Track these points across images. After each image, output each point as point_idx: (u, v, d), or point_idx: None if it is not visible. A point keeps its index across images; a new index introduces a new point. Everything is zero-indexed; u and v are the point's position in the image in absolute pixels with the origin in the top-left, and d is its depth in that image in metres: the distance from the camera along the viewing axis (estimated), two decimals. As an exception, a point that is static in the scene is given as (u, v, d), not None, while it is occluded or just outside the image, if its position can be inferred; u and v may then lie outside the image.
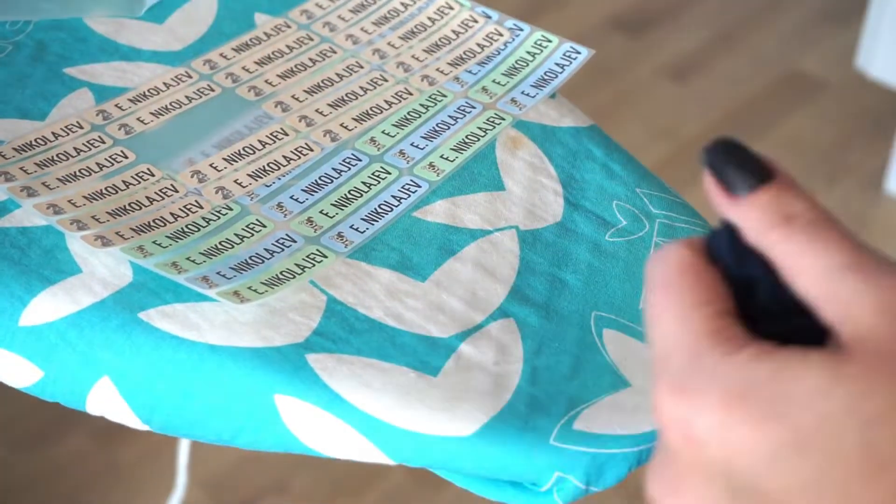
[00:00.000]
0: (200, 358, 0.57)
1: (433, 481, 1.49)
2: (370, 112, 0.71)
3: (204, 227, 0.63)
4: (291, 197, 0.66)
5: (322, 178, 0.67)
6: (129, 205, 0.64)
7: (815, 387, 0.37)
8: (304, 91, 0.72)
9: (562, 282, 0.63)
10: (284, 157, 0.68)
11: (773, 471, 0.37)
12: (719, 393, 0.38)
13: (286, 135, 0.69)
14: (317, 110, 0.71)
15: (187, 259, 0.61)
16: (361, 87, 0.73)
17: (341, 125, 0.70)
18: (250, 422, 0.57)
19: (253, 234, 0.63)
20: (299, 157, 0.68)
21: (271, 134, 0.69)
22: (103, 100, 0.70)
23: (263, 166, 0.67)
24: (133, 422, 0.59)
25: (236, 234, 0.63)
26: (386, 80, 0.73)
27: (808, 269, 0.39)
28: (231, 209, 0.65)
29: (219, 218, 0.64)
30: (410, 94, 0.72)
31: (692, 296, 0.41)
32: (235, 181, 0.66)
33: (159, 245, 0.62)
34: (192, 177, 0.66)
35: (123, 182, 0.65)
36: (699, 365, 0.39)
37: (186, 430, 0.59)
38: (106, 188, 0.64)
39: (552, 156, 0.70)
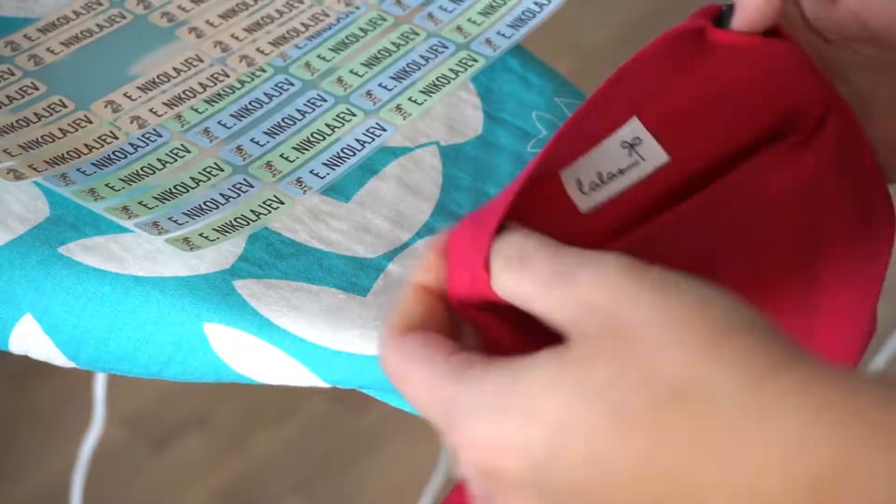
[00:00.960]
0: (125, 290, 0.57)
1: (356, 404, 1.49)
2: (339, 47, 0.70)
3: (123, 158, 0.62)
4: (252, 140, 0.64)
5: (285, 120, 0.65)
6: (42, 137, 0.62)
7: (546, 378, 0.41)
8: (219, 16, 0.71)
9: (486, 195, 0.63)
10: (200, 84, 0.67)
11: (555, 465, 0.41)
12: (480, 416, 0.42)
13: (201, 61, 0.68)
14: (233, 35, 0.70)
15: (139, 203, 0.60)
16: (296, 19, 0.71)
17: (257, 50, 0.69)
18: (179, 352, 0.57)
19: (210, 178, 0.62)
20: (215, 84, 0.67)
21: (186, 61, 0.68)
22: (7, 31, 0.68)
23: (179, 94, 0.66)
24: (59, 359, 0.58)
25: (192, 178, 0.62)
26: (357, 8, 0.72)
27: (528, 297, 0.44)
28: (189, 151, 0.63)
29: (146, 145, 0.63)
30: (382, 26, 0.71)
31: (425, 352, 0.45)
32: (150, 110, 0.65)
33: (83, 173, 0.60)
34: (105, 107, 0.65)
35: (35, 114, 0.64)
36: (454, 403, 0.43)
37: (114, 365, 0.58)
38: (17, 121, 0.63)
39: None
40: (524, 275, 0.44)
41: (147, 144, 0.63)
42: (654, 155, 0.54)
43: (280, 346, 0.56)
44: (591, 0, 2.03)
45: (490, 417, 0.42)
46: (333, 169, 0.63)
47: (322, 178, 0.63)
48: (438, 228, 0.61)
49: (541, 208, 0.50)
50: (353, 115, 0.66)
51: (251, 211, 0.60)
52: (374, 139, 0.65)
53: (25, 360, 0.55)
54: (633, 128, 0.53)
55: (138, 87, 0.66)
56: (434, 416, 0.45)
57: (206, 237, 0.58)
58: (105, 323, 0.57)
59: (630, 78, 0.52)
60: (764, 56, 0.52)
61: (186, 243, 0.58)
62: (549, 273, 0.43)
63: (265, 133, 0.65)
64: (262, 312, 0.56)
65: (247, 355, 0.56)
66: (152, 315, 0.56)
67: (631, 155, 0.54)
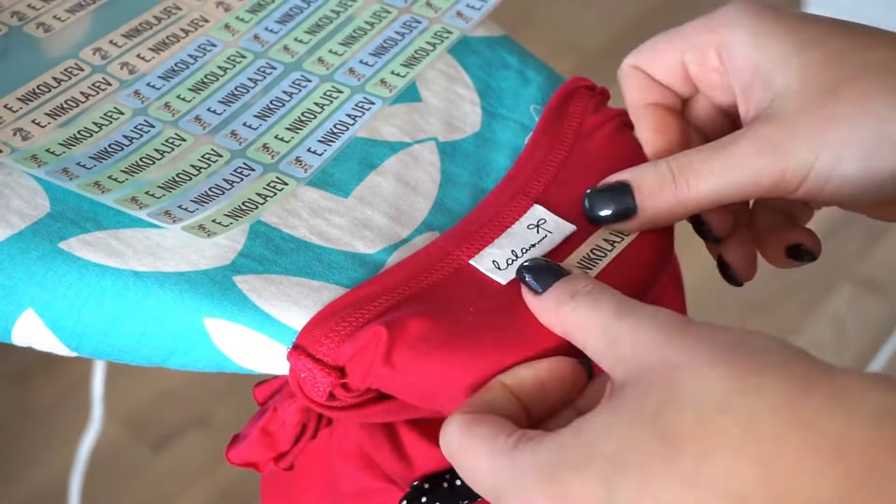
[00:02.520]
0: (125, 285, 0.57)
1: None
2: (314, 29, 0.71)
3: (120, 151, 0.63)
4: (244, 124, 0.65)
5: (273, 103, 0.66)
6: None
7: (601, 424, 0.46)
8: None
9: (483, 191, 0.63)
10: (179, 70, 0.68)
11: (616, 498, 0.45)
12: (537, 476, 0.46)
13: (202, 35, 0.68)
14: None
15: (147, 194, 0.60)
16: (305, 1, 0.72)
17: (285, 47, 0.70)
18: (181, 346, 0.57)
19: (210, 165, 0.62)
20: (190, 68, 0.67)
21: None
22: None
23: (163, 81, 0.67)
24: (62, 350, 0.58)
25: (193, 166, 0.62)
26: None
27: (591, 331, 0.50)
28: (184, 140, 0.64)
29: (140, 136, 0.64)
30: (353, 7, 0.72)
31: (489, 430, 0.49)
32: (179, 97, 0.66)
33: (83, 167, 0.61)
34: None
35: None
36: (511, 471, 0.47)
37: (117, 356, 0.58)
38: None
39: (467, 66, 0.70)
40: (592, 311, 0.51)
41: (141, 136, 0.64)
42: (561, 228, 0.60)
43: (282, 340, 0.56)
44: (591, 0, 2.03)
45: (546, 476, 0.46)
46: (329, 145, 0.64)
47: (320, 154, 0.63)
48: (436, 225, 0.61)
49: (464, 287, 0.57)
50: (340, 91, 0.67)
51: (257, 194, 0.61)
52: (363, 113, 0.66)
53: (25, 359, 0.56)
54: (535, 212, 0.61)
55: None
56: (492, 489, 0.48)
57: (219, 223, 0.59)
58: (106, 317, 0.57)
59: (518, 175, 0.63)
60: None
61: (202, 230, 0.58)
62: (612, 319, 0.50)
63: (256, 116, 0.65)
64: (262, 307, 0.56)
65: (248, 350, 0.57)
66: (153, 310, 0.57)
67: (539, 232, 0.60)
